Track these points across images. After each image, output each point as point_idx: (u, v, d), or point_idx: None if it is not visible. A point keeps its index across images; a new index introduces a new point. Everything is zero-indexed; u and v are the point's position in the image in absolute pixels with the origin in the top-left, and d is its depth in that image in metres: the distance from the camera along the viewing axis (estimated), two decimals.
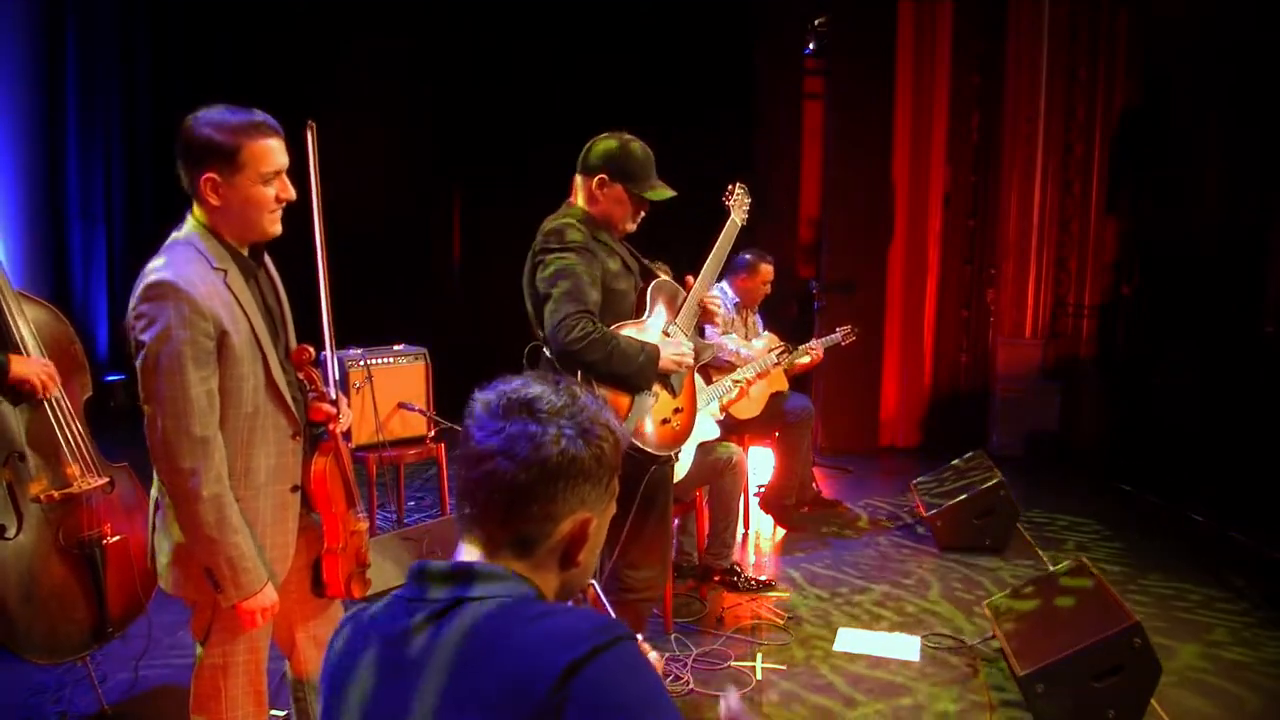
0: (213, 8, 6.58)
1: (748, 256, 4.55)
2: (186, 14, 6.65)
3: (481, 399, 1.14)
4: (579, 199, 2.79)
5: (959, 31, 6.33)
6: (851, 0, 6.22)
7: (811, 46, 6.59)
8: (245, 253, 1.97)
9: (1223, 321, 5.66)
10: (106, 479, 2.69)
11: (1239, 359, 5.51)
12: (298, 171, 2.00)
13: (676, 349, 2.76)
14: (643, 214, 2.81)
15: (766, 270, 4.56)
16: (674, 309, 2.88)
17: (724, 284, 4.57)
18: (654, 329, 2.81)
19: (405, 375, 4.49)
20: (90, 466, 2.67)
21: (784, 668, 3.27)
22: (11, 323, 2.58)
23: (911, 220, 6.51)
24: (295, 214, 2.02)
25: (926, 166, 6.46)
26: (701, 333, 3.65)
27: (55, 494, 2.58)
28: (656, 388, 2.76)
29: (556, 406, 1.11)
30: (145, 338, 1.81)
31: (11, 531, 2.52)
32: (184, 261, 1.86)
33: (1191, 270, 5.91)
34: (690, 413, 2.90)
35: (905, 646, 3.43)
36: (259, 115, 1.91)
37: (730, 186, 3.10)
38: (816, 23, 6.43)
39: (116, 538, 2.71)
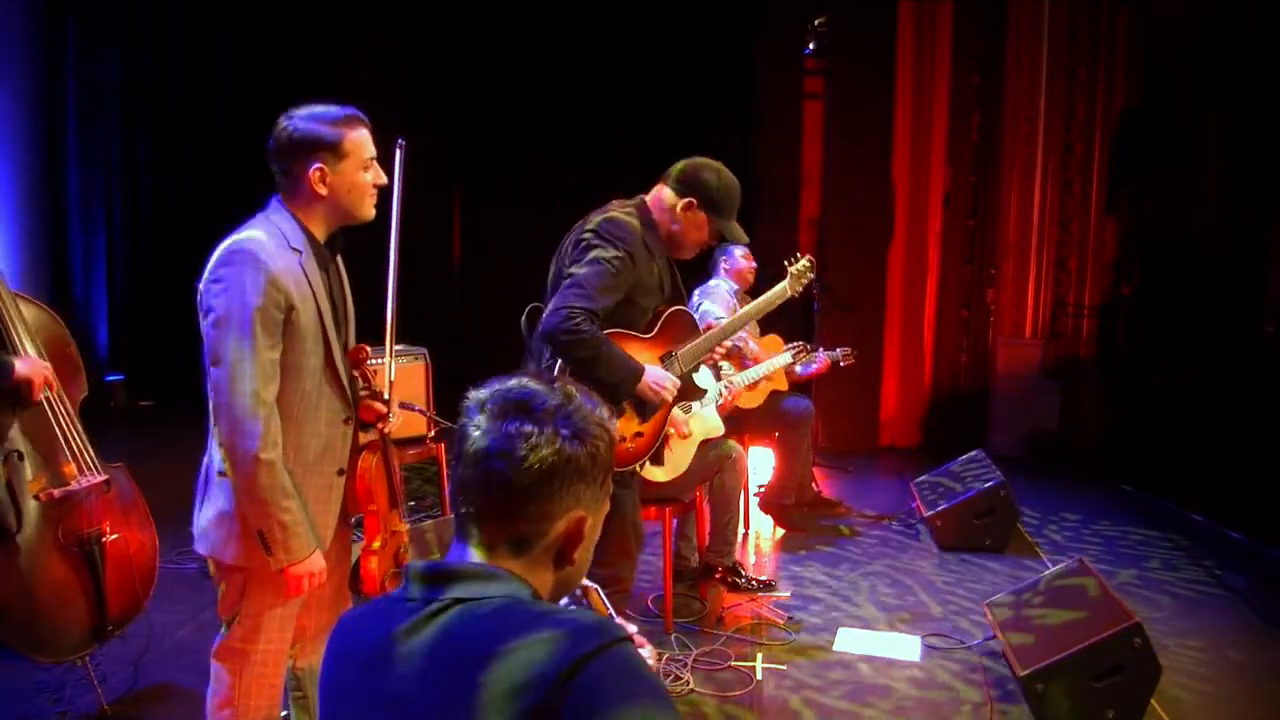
0: (213, 8, 6.58)
1: (725, 246, 4.59)
2: (186, 15, 6.65)
3: (476, 398, 1.14)
4: (654, 205, 2.76)
5: (959, 31, 6.33)
6: (851, 0, 6.22)
7: (811, 46, 6.58)
8: (323, 242, 2.05)
9: (1223, 321, 5.66)
10: (105, 477, 2.70)
11: (1239, 359, 5.51)
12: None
13: (660, 378, 2.72)
14: (708, 247, 2.80)
15: (743, 250, 4.57)
16: (682, 341, 2.85)
17: (718, 280, 4.59)
18: (653, 352, 2.78)
19: (405, 375, 4.49)
20: (88, 465, 2.67)
21: (784, 668, 3.27)
22: (11, 325, 2.58)
23: (911, 220, 6.50)
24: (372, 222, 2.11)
25: (926, 166, 6.45)
26: (717, 373, 3.63)
27: (54, 492, 2.59)
28: (625, 404, 2.73)
29: (552, 406, 1.11)
30: (219, 301, 1.89)
31: (12, 529, 2.53)
32: (264, 235, 1.94)
33: (1191, 270, 5.91)
34: (649, 440, 2.85)
35: (905, 646, 3.43)
36: (350, 109, 2.04)
37: (798, 255, 3.10)
38: (816, 23, 6.43)
39: (115, 536, 2.72)
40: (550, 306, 2.58)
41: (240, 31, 6.60)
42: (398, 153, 2.19)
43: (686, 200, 2.70)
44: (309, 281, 1.98)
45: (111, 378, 6.46)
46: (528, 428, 1.09)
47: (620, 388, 2.63)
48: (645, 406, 2.77)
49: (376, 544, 2.13)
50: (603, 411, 1.16)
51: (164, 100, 6.62)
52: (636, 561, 3.14)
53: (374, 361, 2.15)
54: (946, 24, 6.34)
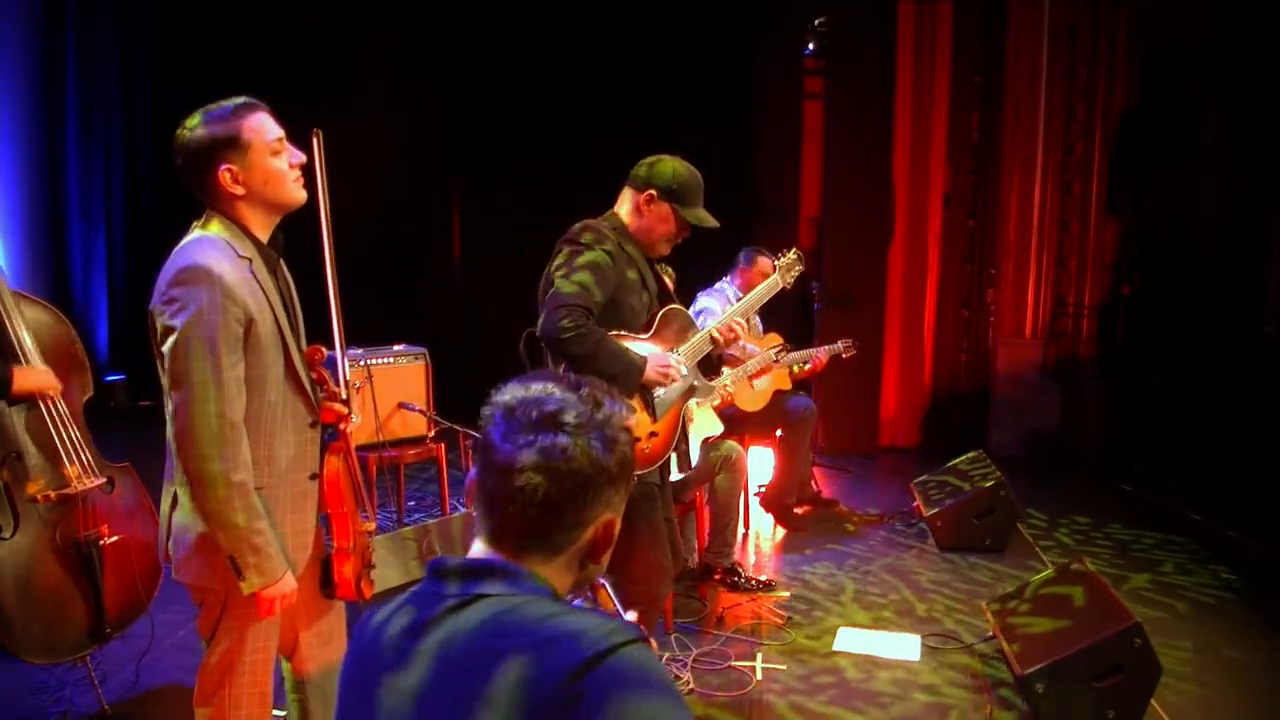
0: (213, 8, 6.58)
1: (747, 251, 4.61)
2: (186, 14, 6.66)
3: (504, 405, 1.13)
4: (622, 210, 2.77)
5: (959, 31, 6.33)
6: (851, 0, 6.22)
7: (811, 46, 6.59)
8: (266, 242, 1.98)
9: (1223, 321, 5.66)
10: (104, 479, 2.69)
11: (1239, 359, 5.50)
12: (305, 177, 2.02)
13: (662, 360, 2.70)
14: (681, 239, 2.80)
15: (764, 263, 4.58)
16: (681, 338, 2.85)
17: (725, 282, 4.60)
18: (653, 349, 2.78)
19: (405, 375, 4.50)
20: (88, 467, 2.67)
21: (784, 668, 3.27)
22: (10, 329, 2.58)
23: (911, 220, 6.50)
24: (303, 218, 2.04)
25: (926, 166, 6.46)
26: (718, 367, 3.60)
27: (52, 494, 2.58)
28: (635, 404, 2.72)
29: (584, 419, 1.11)
30: (176, 321, 1.80)
31: (8, 532, 2.53)
32: (212, 248, 1.86)
33: (1191, 270, 5.90)
34: (666, 440, 2.82)
35: (905, 646, 3.43)
36: (239, 98, 1.93)
37: (784, 250, 3.15)
38: (816, 23, 6.43)
39: (115, 538, 2.71)
40: (541, 312, 2.57)
41: (240, 32, 6.60)
42: (314, 141, 2.08)
43: (647, 194, 2.71)
44: (262, 288, 1.91)
45: (111, 378, 6.45)
46: (562, 440, 1.09)
47: (622, 380, 2.60)
48: (655, 404, 2.76)
49: (348, 545, 2.11)
50: (624, 411, 1.17)
51: (163, 100, 6.62)
52: (670, 577, 3.03)
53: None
54: (946, 24, 6.34)
